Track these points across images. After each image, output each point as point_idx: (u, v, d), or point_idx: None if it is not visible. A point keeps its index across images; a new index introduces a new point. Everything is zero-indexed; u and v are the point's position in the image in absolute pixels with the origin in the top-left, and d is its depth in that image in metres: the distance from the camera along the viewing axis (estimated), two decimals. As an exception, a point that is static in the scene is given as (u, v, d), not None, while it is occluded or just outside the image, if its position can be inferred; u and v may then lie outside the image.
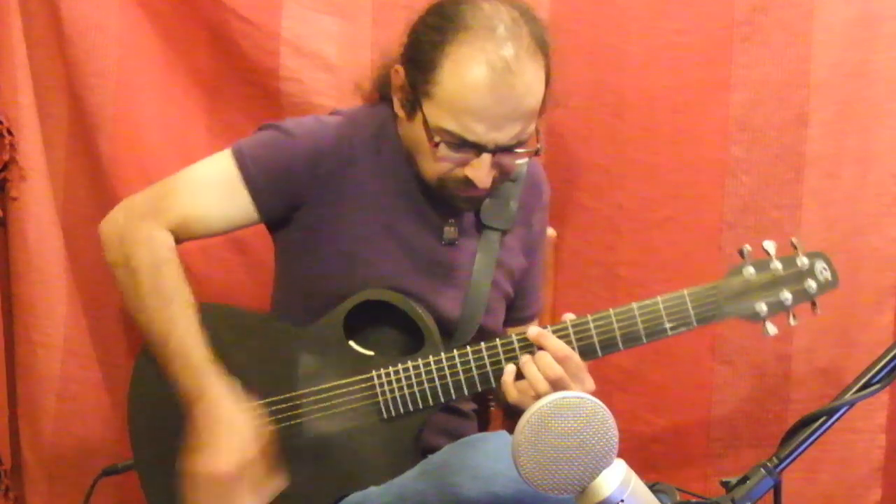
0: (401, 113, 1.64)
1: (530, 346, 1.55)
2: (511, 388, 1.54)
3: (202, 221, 1.66)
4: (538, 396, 1.47)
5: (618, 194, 2.01)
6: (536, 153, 1.62)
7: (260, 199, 1.65)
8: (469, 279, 1.72)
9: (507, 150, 1.58)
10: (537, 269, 1.87)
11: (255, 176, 1.64)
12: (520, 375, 1.56)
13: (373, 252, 1.66)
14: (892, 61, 1.91)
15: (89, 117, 1.99)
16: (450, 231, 1.71)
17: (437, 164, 1.60)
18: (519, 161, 1.64)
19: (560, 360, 1.52)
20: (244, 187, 1.64)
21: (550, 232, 1.95)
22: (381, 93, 1.74)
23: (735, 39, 1.94)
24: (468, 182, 1.59)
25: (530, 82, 1.55)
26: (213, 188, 1.66)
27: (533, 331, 1.55)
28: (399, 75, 1.61)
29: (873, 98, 1.93)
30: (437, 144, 1.56)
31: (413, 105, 1.60)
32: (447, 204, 1.69)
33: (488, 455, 1.45)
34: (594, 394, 1.48)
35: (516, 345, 1.56)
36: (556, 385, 1.51)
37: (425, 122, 1.57)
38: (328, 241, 1.66)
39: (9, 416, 2.07)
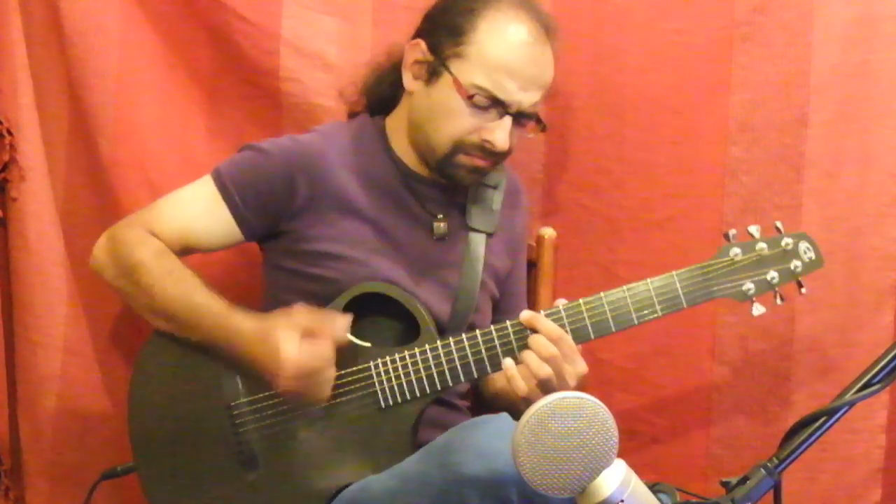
0: (414, 86, 1.70)
1: (524, 331, 1.58)
2: (519, 383, 1.56)
3: (187, 235, 1.72)
4: (539, 381, 1.54)
5: (618, 194, 2.01)
6: (543, 129, 1.73)
7: (241, 218, 1.70)
8: (458, 279, 1.76)
9: (523, 116, 1.67)
10: (522, 271, 1.92)
11: (235, 197, 1.70)
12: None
13: (363, 252, 1.69)
14: (892, 61, 1.91)
15: (89, 117, 1.99)
16: (440, 227, 1.76)
17: (459, 123, 1.66)
18: (528, 135, 1.73)
19: (553, 341, 1.56)
20: (226, 209, 1.70)
21: (551, 232, 1.96)
22: (369, 99, 1.81)
23: (735, 39, 1.94)
24: (483, 148, 1.67)
25: (551, 56, 1.70)
26: (196, 209, 1.72)
27: (525, 314, 1.59)
28: (419, 47, 1.69)
29: (873, 98, 1.93)
30: (471, 97, 1.63)
31: (435, 70, 1.67)
32: (434, 200, 1.75)
33: (491, 434, 1.45)
34: (593, 393, 1.49)
35: (510, 329, 1.59)
36: (550, 363, 1.54)
37: (456, 81, 1.64)
38: (316, 247, 1.69)
39: (9, 416, 2.07)
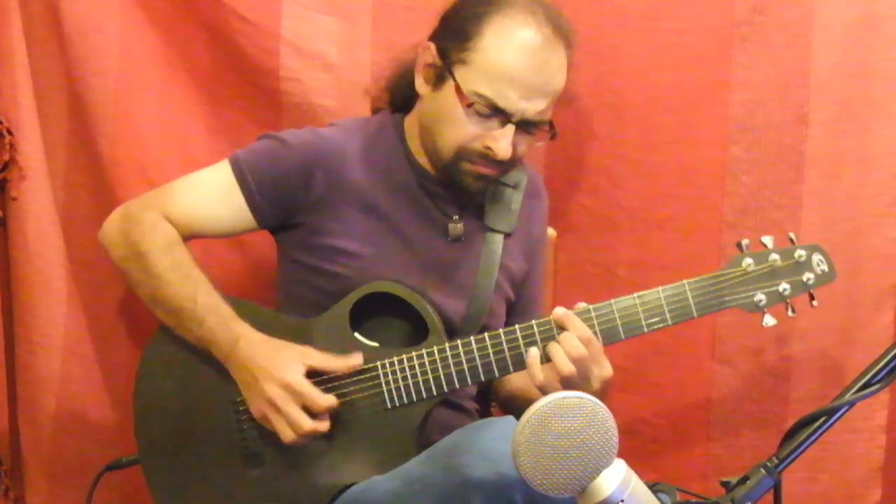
0: (424, 89, 1.70)
1: (531, 337, 1.56)
2: (537, 371, 1.54)
3: (199, 220, 1.71)
4: (562, 378, 1.52)
5: (618, 194, 2.01)
6: (552, 137, 1.70)
7: (256, 206, 1.69)
8: (473, 280, 1.74)
9: (529, 125, 1.65)
10: (539, 275, 1.89)
11: (251, 185, 1.69)
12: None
13: (376, 251, 1.69)
14: (892, 61, 1.91)
15: (89, 117, 1.99)
16: (455, 228, 1.75)
17: (461, 130, 1.64)
18: (538, 143, 1.71)
19: (583, 343, 1.53)
20: (241, 195, 1.69)
21: (550, 232, 1.95)
22: (392, 92, 1.80)
23: (735, 39, 1.94)
24: (486, 156, 1.65)
25: (561, 63, 1.66)
26: (211, 193, 1.71)
27: (559, 311, 1.56)
28: (429, 51, 1.68)
29: (873, 98, 1.93)
30: (470, 105, 1.62)
31: (442, 75, 1.66)
32: (450, 201, 1.74)
33: (496, 437, 1.45)
34: (606, 384, 1.49)
35: (519, 334, 1.58)
36: (578, 365, 1.52)
37: (458, 87, 1.62)
38: (330, 242, 1.69)
39: (9, 416, 2.07)
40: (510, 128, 1.63)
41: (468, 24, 1.64)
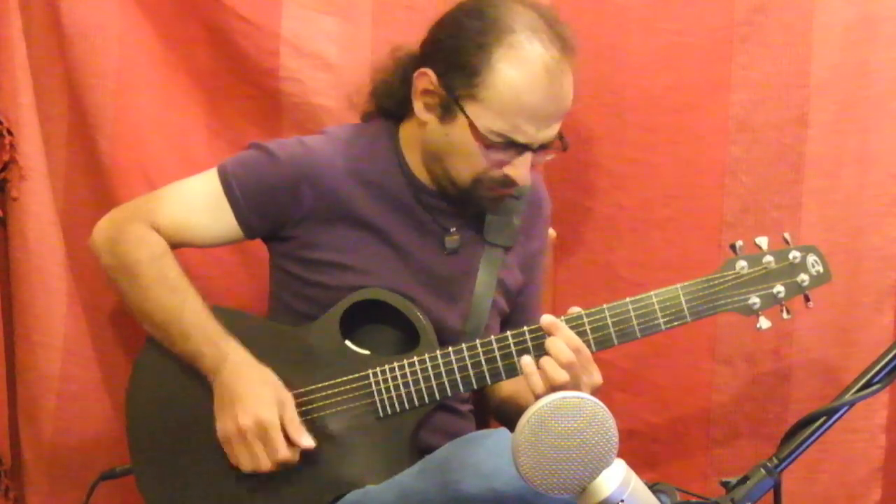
0: (426, 116, 1.64)
1: (524, 344, 1.56)
2: (537, 380, 1.52)
3: (187, 229, 1.70)
4: (553, 385, 1.50)
5: (618, 194, 2.01)
6: (565, 149, 1.67)
7: (243, 218, 1.68)
8: (471, 294, 1.72)
9: (546, 147, 1.62)
10: (536, 287, 1.87)
11: (239, 197, 1.67)
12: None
13: (369, 263, 1.67)
14: (892, 61, 1.91)
15: (89, 117, 1.99)
16: (452, 240, 1.72)
17: (478, 163, 1.61)
18: (549, 157, 1.69)
19: (571, 350, 1.52)
20: (228, 206, 1.68)
21: (550, 232, 1.95)
22: (379, 104, 1.76)
23: (735, 39, 1.94)
24: (506, 181, 1.63)
25: (571, 80, 1.61)
26: (199, 204, 1.70)
27: (547, 319, 1.55)
28: (428, 78, 1.62)
29: (873, 98, 1.93)
30: (489, 146, 1.58)
31: (448, 107, 1.60)
32: (448, 213, 1.71)
33: (490, 452, 1.45)
34: (595, 393, 1.49)
35: (510, 341, 1.57)
36: (568, 369, 1.51)
37: (472, 124, 1.58)
38: (321, 255, 1.68)
39: (9, 416, 2.06)
40: (528, 155, 1.61)
41: (473, 56, 1.57)
